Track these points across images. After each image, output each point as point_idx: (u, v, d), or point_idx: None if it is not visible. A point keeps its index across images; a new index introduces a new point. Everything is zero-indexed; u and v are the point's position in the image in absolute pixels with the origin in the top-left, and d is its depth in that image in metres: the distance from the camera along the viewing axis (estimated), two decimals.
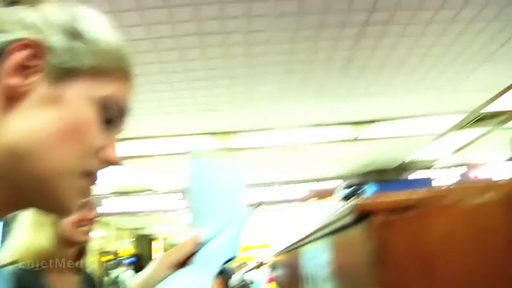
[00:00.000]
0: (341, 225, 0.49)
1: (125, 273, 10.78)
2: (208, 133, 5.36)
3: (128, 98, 0.58)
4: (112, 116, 0.54)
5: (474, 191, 0.34)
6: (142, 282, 0.65)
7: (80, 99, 0.51)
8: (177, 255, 0.67)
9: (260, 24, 3.19)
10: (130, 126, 0.61)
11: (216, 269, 0.64)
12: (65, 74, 0.50)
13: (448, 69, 4.23)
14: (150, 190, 8.08)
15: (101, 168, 0.55)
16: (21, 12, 0.49)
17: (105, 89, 0.53)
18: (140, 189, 8.01)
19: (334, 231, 0.57)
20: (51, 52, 0.49)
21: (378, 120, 5.44)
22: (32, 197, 0.51)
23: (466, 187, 0.36)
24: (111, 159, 0.55)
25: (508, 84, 4.66)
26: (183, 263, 0.67)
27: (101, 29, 0.54)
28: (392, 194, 0.41)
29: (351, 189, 2.60)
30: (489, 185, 0.36)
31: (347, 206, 0.44)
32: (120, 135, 0.59)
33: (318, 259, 0.77)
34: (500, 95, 4.91)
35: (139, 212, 8.09)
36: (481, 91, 4.83)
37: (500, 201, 0.30)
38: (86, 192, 0.55)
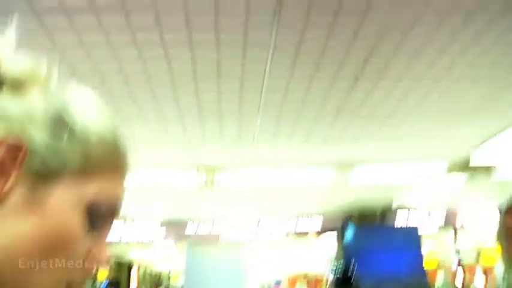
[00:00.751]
0: None
1: None
2: (196, 167, 5.31)
3: (119, 192, 0.51)
4: (101, 215, 0.48)
5: None
6: None
7: (63, 203, 0.44)
8: None
9: (255, 63, 3.18)
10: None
11: None
12: (47, 175, 0.43)
13: (437, 119, 4.28)
14: (130, 218, 7.92)
15: (88, 273, 0.48)
16: (0, 101, 0.42)
17: (93, 188, 0.46)
18: (121, 217, 7.86)
19: None
20: (32, 151, 0.42)
21: (366, 162, 5.46)
22: None
23: None
24: (97, 261, 0.49)
25: (494, 136, 4.74)
26: None
27: (93, 119, 0.47)
28: None
29: (339, 271, 2.53)
30: None
31: None
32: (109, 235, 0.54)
33: None
34: (484, 146, 4.99)
35: (119, 241, 7.90)
36: (469, 141, 4.89)
37: None
38: None
